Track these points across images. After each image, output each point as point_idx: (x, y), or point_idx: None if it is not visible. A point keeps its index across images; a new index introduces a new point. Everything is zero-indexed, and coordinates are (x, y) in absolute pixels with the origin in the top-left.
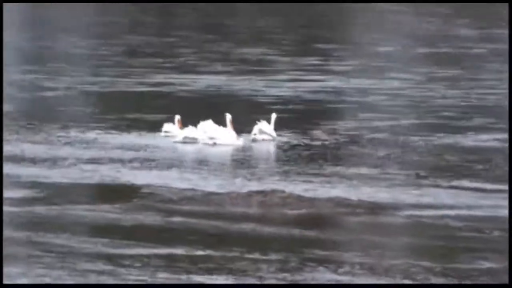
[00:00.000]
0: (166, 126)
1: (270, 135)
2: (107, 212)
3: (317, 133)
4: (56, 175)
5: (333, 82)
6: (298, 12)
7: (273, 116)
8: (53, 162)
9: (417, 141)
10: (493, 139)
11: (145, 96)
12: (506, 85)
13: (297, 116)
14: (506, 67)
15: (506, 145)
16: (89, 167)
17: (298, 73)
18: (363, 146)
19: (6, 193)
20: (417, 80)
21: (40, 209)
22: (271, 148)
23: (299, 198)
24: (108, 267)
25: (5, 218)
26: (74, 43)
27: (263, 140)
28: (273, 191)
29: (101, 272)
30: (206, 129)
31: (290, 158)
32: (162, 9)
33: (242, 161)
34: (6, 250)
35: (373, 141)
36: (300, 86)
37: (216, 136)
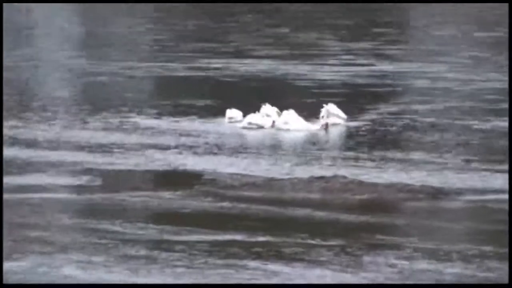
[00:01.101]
0: (230, 112)
1: (340, 117)
2: (168, 199)
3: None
4: (116, 162)
5: (382, 66)
6: None
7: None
8: (112, 148)
9: (468, 125)
10: None
11: (194, 81)
12: None
13: (341, 100)
14: None
15: None
16: (150, 153)
17: (348, 58)
18: (417, 130)
19: (66, 180)
20: (464, 63)
21: (99, 197)
22: (336, 132)
23: (361, 184)
24: (164, 254)
25: (65, 205)
26: (129, 26)
27: (333, 123)
28: (335, 177)
29: (153, 259)
30: (283, 116)
31: (352, 143)
32: None
33: (306, 147)
34: (65, 238)
35: (426, 126)
36: (347, 70)
37: (289, 121)
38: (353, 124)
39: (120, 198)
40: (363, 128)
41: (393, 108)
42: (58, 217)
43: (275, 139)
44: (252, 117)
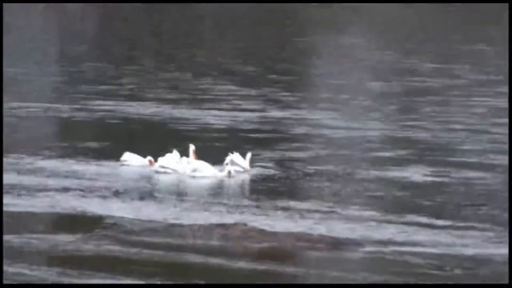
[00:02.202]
0: (126, 155)
1: (242, 167)
2: (68, 243)
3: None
4: (17, 204)
5: (273, 112)
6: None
7: (249, 154)
8: (13, 190)
9: (357, 173)
10: (424, 174)
11: (90, 123)
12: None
13: (224, 145)
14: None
15: (438, 179)
16: (51, 195)
17: (239, 103)
18: (310, 179)
19: None
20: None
21: None
22: (241, 180)
23: (261, 232)
24: None
25: None
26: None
27: (235, 171)
28: (235, 224)
29: None
30: (189, 160)
31: (252, 191)
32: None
33: (210, 194)
34: None
35: (318, 174)
36: (235, 115)
37: (198, 168)
38: (253, 172)
39: (21, 240)
40: (261, 177)
41: (277, 155)
42: None
43: (183, 184)
44: (165, 161)
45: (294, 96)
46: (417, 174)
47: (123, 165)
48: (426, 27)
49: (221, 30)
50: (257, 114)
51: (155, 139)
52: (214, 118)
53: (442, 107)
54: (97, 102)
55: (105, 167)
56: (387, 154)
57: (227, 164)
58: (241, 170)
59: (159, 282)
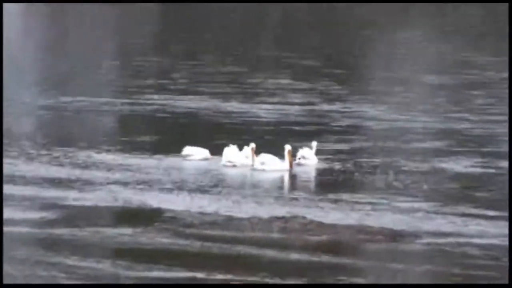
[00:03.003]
0: (187, 149)
1: (311, 159)
2: (128, 235)
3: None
4: (79, 197)
5: (322, 106)
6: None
7: (314, 143)
8: (75, 184)
9: (405, 165)
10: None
11: (143, 117)
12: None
13: (274, 138)
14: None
15: (485, 170)
16: (110, 189)
17: (295, 96)
18: (361, 171)
19: (27, 215)
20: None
21: (60, 231)
22: (302, 173)
23: (319, 225)
24: None
25: (25, 239)
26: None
27: (304, 165)
28: (294, 217)
29: None
30: (262, 158)
31: (313, 185)
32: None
33: (270, 187)
34: (26, 271)
35: (368, 166)
36: (287, 109)
37: (266, 161)
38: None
39: (81, 233)
40: (330, 170)
41: (326, 148)
42: (18, 250)
43: (245, 178)
44: (232, 156)
45: (345, 89)
46: (464, 165)
47: (185, 159)
48: (485, 23)
49: (282, 27)
50: (307, 107)
51: (208, 133)
52: (264, 111)
53: (495, 98)
54: (150, 96)
55: (164, 160)
56: (435, 145)
57: (299, 159)
58: (310, 163)
59: (218, 276)
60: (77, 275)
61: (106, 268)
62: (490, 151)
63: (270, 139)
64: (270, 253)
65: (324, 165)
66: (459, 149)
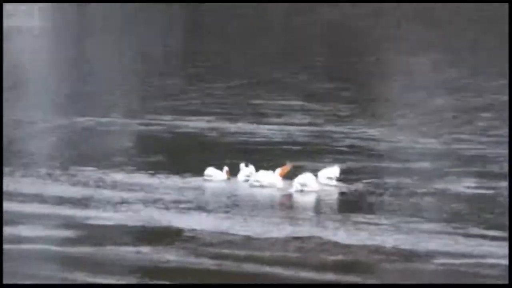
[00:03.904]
0: (209, 171)
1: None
2: (147, 254)
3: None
4: (98, 216)
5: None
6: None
7: (336, 167)
8: (93, 203)
9: (411, 186)
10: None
11: (161, 137)
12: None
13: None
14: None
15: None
16: (131, 208)
17: (300, 117)
18: (380, 193)
19: (51, 232)
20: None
21: (80, 249)
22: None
23: (335, 244)
24: None
25: (48, 256)
26: None
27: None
28: (310, 237)
29: None
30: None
31: (327, 205)
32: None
33: (286, 207)
34: None
35: (376, 187)
36: (295, 129)
37: (307, 184)
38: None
39: (102, 252)
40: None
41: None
42: (43, 268)
43: (265, 198)
44: (262, 175)
45: (353, 110)
46: (467, 186)
47: (206, 179)
48: (494, 45)
49: (294, 47)
50: (314, 128)
51: (217, 153)
52: (272, 132)
53: (499, 121)
54: (160, 116)
55: (181, 180)
56: (438, 167)
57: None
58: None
59: None
60: None
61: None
62: (489, 172)
63: (277, 158)
64: (287, 272)
65: (330, 188)
66: (458, 170)
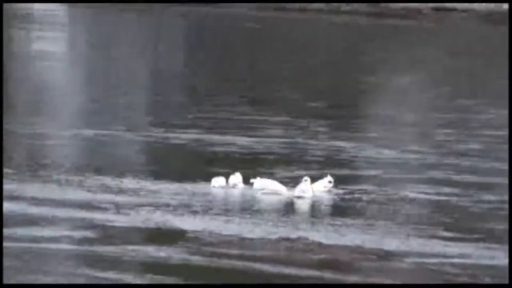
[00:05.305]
0: (216, 180)
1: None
2: (154, 253)
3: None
4: (113, 219)
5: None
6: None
7: (329, 177)
8: (109, 207)
9: (388, 193)
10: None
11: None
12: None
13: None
14: None
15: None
16: (143, 212)
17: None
18: (358, 199)
19: (68, 233)
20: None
21: (98, 248)
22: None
23: (320, 245)
24: None
25: (66, 255)
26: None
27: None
28: (298, 238)
29: None
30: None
31: (317, 210)
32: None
33: (282, 212)
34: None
35: (356, 194)
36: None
37: (306, 190)
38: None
39: (116, 250)
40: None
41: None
42: (61, 265)
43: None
44: (268, 183)
45: (330, 126)
46: (438, 193)
47: (214, 186)
48: (489, 72)
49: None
50: (299, 140)
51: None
52: (266, 146)
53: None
54: (171, 129)
55: (191, 187)
56: (399, 175)
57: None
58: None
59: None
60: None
61: (128, 280)
62: (459, 181)
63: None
64: (278, 269)
65: (321, 194)
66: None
